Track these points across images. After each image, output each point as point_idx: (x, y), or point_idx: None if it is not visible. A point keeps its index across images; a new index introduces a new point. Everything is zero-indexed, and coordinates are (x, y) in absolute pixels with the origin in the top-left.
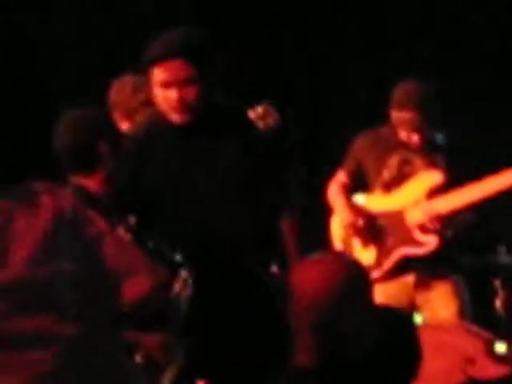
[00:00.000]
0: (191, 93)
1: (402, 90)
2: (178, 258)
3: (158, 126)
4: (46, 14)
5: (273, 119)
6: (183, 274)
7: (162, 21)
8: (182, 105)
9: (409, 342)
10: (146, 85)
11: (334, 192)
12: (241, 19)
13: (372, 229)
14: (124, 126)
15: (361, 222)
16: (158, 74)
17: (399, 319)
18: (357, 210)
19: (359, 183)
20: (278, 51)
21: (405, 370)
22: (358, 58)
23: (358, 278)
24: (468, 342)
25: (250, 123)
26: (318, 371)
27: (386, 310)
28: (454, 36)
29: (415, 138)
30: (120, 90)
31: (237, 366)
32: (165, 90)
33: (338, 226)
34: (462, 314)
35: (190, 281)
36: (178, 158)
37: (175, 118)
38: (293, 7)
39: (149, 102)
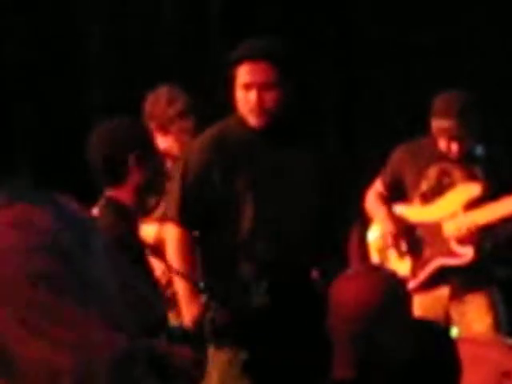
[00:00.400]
0: (271, 96)
1: (442, 99)
2: (201, 285)
3: (231, 134)
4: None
5: None
6: (204, 298)
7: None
8: (261, 108)
9: (447, 356)
10: (181, 96)
11: (373, 202)
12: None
13: (410, 239)
14: (160, 137)
15: (401, 232)
16: (241, 75)
17: (436, 332)
18: (397, 220)
19: (396, 194)
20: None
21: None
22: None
23: (396, 291)
24: (504, 356)
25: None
26: (357, 383)
27: (423, 323)
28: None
29: (455, 147)
30: (155, 102)
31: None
32: (246, 92)
33: (375, 236)
34: (497, 327)
35: (213, 303)
36: (258, 163)
37: (253, 121)
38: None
39: (185, 113)
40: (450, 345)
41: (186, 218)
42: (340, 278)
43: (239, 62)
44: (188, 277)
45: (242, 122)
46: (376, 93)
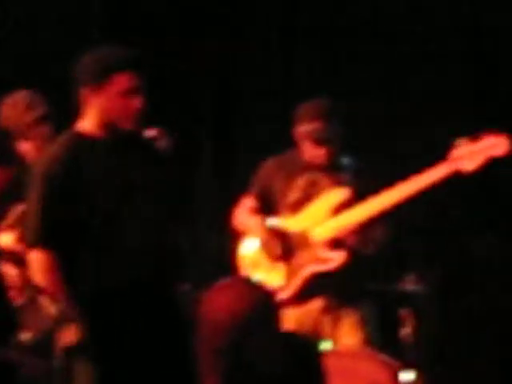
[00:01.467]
0: (143, 103)
1: (307, 105)
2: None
3: (81, 144)
4: None
5: (165, 142)
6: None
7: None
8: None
9: (313, 369)
10: (41, 102)
11: (245, 215)
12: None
13: (283, 249)
14: (20, 143)
15: (274, 242)
16: (123, 82)
17: (304, 346)
18: (270, 230)
19: (266, 207)
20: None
21: None
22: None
23: (264, 303)
24: (375, 370)
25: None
26: None
27: (290, 336)
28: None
29: (321, 151)
30: (13, 107)
31: None
32: (128, 98)
33: (246, 249)
34: (369, 341)
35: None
36: (111, 174)
37: (131, 125)
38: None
39: (43, 119)
40: (316, 358)
41: (49, 240)
42: (210, 290)
43: (120, 70)
44: (57, 300)
45: (92, 131)
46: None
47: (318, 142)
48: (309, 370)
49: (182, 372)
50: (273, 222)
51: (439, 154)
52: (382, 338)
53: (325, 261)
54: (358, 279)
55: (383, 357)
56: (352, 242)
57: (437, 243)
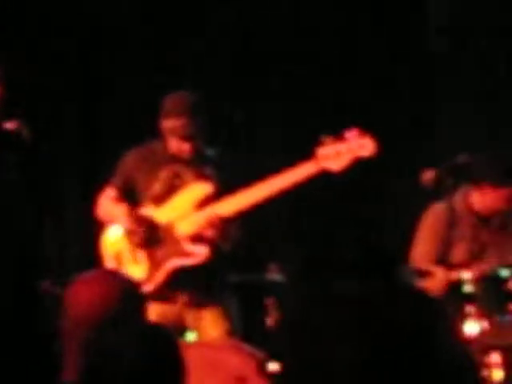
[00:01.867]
0: None
1: (173, 99)
2: None
3: None
4: None
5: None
6: None
7: None
8: None
9: (173, 361)
10: None
11: (109, 204)
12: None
13: (148, 240)
14: None
15: (140, 231)
16: None
17: (164, 337)
18: (136, 219)
19: (128, 198)
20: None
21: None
22: None
23: (130, 295)
24: (240, 361)
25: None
26: None
27: (153, 328)
28: None
29: (186, 146)
30: None
31: None
32: None
33: (110, 238)
34: (232, 332)
35: None
36: None
37: None
38: None
39: None
40: (176, 350)
41: None
42: (74, 281)
43: None
44: None
45: None
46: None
47: (184, 137)
48: (169, 362)
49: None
50: (139, 210)
51: (304, 149)
52: (247, 328)
53: (188, 255)
54: (221, 272)
55: (248, 347)
56: (214, 236)
57: (300, 233)
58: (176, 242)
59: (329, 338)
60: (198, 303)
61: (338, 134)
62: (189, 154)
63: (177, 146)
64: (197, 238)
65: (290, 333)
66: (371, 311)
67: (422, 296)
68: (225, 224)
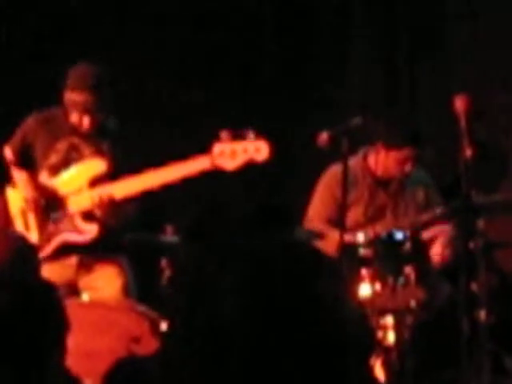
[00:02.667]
0: None
1: (76, 72)
2: None
3: None
4: None
5: None
6: None
7: None
8: None
9: (48, 313)
10: None
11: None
12: None
13: (45, 209)
14: None
15: (39, 197)
16: None
17: (42, 290)
18: (36, 187)
19: (26, 161)
20: None
21: (42, 336)
22: None
23: (22, 253)
24: (133, 321)
25: None
26: None
27: (35, 281)
28: None
29: (86, 121)
30: None
31: None
32: None
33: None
34: (126, 293)
35: None
36: None
37: None
38: None
39: None
40: (55, 304)
41: None
42: None
43: None
44: None
45: None
46: None
47: (85, 112)
48: (44, 314)
49: None
50: (39, 179)
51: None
52: (141, 289)
53: (79, 231)
54: (113, 234)
55: (142, 308)
56: (103, 217)
57: (195, 194)
58: (68, 216)
59: (221, 294)
60: (91, 263)
61: (236, 132)
62: (88, 129)
63: (77, 119)
64: (88, 216)
65: (180, 292)
66: (264, 267)
67: (314, 254)
68: (114, 206)
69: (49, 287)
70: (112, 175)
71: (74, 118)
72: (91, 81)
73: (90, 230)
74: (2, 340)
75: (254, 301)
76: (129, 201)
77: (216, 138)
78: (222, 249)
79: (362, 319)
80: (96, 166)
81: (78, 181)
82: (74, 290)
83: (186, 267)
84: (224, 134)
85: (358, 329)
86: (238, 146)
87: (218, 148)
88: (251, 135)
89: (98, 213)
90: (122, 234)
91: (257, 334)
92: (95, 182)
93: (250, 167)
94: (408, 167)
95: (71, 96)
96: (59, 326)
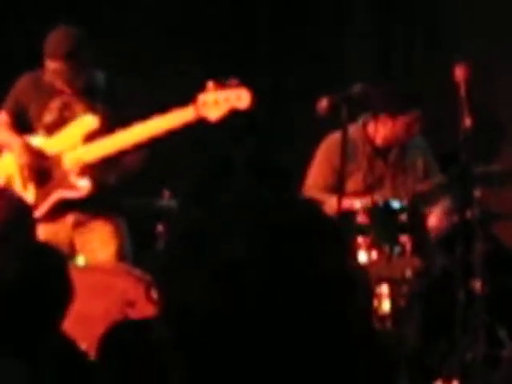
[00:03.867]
0: None
1: (51, 39)
2: None
3: None
4: None
5: None
6: None
7: None
8: None
9: (58, 277)
10: None
11: (2, 131)
12: None
13: (39, 169)
14: None
15: (34, 162)
16: None
17: (50, 254)
18: (30, 149)
19: (20, 124)
20: None
21: (52, 304)
22: None
23: (19, 213)
24: (129, 285)
25: None
26: None
27: (43, 246)
28: None
29: (67, 86)
30: None
31: None
32: None
33: (4, 164)
34: (121, 256)
35: None
36: None
37: None
38: None
39: None
40: (62, 268)
41: None
42: None
43: None
44: None
45: None
46: None
47: (64, 79)
48: (53, 278)
49: None
50: (32, 140)
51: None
52: (137, 254)
53: (74, 187)
54: (110, 196)
55: (138, 272)
56: (99, 171)
57: (193, 160)
58: (63, 173)
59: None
60: (87, 223)
61: (219, 81)
62: (74, 90)
63: (59, 84)
64: (82, 172)
65: (174, 257)
66: (264, 218)
67: (315, 210)
68: (109, 161)
69: (57, 251)
70: (105, 130)
71: (57, 83)
72: (65, 48)
73: (85, 186)
74: (13, 303)
75: (261, 257)
76: (123, 155)
77: (201, 87)
78: (226, 211)
79: (365, 274)
80: (89, 122)
81: (72, 138)
82: (69, 251)
83: (183, 229)
84: (209, 84)
85: (363, 278)
86: (221, 94)
87: (201, 98)
88: (233, 83)
89: (94, 168)
90: (120, 193)
91: (264, 281)
92: (89, 138)
93: (248, 137)
94: (416, 129)
95: (49, 64)
96: (66, 290)
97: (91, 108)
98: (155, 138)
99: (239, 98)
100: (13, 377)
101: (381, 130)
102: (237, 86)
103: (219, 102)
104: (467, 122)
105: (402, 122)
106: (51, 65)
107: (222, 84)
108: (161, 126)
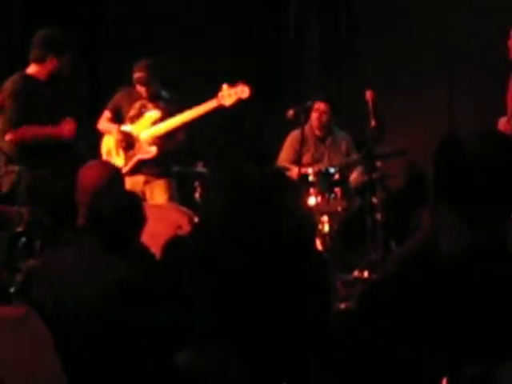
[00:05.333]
0: None
1: (136, 64)
2: None
3: None
4: None
5: None
6: None
7: None
8: None
9: (139, 212)
10: None
11: (104, 123)
12: None
13: (127, 143)
14: None
15: (123, 139)
16: None
17: (133, 197)
18: (121, 132)
19: (117, 118)
20: None
21: (136, 223)
22: None
23: (114, 175)
24: (177, 215)
25: None
26: (88, 228)
27: (128, 193)
28: None
29: (144, 90)
30: None
31: None
32: None
33: (106, 142)
34: (173, 199)
35: None
36: None
37: None
38: None
39: None
40: (141, 206)
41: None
42: (83, 167)
43: None
44: None
45: None
46: None
47: (142, 85)
48: (136, 213)
49: None
50: (123, 127)
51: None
52: (182, 199)
53: (147, 152)
54: (167, 162)
55: (183, 208)
56: (160, 141)
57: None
58: (140, 143)
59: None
60: (152, 180)
61: (231, 83)
62: (148, 95)
63: (140, 89)
64: (151, 142)
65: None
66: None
67: (283, 176)
68: (163, 136)
69: (137, 195)
70: (164, 119)
71: (139, 89)
72: (145, 63)
73: (153, 150)
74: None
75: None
76: (175, 133)
77: (220, 88)
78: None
79: (310, 213)
80: (155, 114)
81: (146, 123)
82: (143, 196)
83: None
84: (223, 85)
85: (310, 217)
86: (232, 90)
87: (220, 93)
88: (238, 83)
89: (161, 139)
90: (173, 158)
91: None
92: (155, 122)
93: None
94: (323, 118)
95: (134, 75)
96: (142, 220)
97: (157, 107)
98: (193, 121)
99: (243, 91)
100: (117, 265)
101: (313, 120)
102: (241, 83)
103: (231, 94)
104: (372, 123)
105: (315, 108)
106: (134, 75)
107: (230, 84)
108: (197, 112)
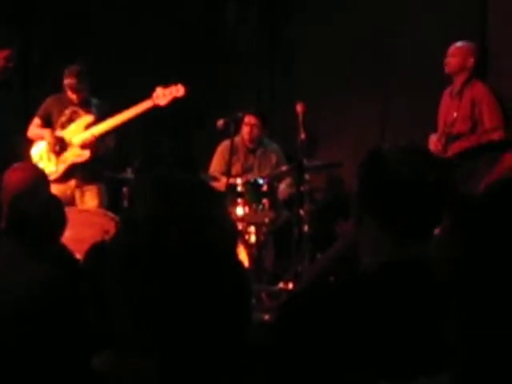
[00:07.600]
0: None
1: (67, 69)
2: None
3: None
4: None
5: None
6: None
7: None
8: None
9: (60, 214)
10: None
11: (36, 128)
12: None
13: (59, 148)
14: None
15: (56, 142)
16: None
17: (57, 202)
18: (54, 136)
19: (46, 125)
20: None
21: (53, 224)
22: None
23: (39, 179)
24: (105, 221)
25: None
26: (9, 230)
27: (53, 198)
28: None
29: (75, 97)
30: None
31: None
32: None
33: (37, 149)
34: (102, 206)
35: None
36: None
37: None
38: None
39: None
40: (63, 210)
41: None
42: (9, 169)
43: None
44: None
45: None
46: None
47: (74, 91)
48: (58, 215)
49: None
50: (56, 132)
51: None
52: (111, 205)
53: (79, 156)
54: (97, 167)
55: (111, 214)
56: (93, 145)
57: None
58: (73, 148)
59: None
60: (83, 185)
61: (165, 84)
62: (78, 102)
63: (70, 94)
64: (83, 146)
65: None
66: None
67: (209, 188)
68: (97, 139)
69: (60, 200)
70: (95, 123)
71: (69, 95)
72: (76, 70)
73: (85, 153)
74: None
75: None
76: (105, 136)
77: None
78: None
79: (234, 225)
80: (86, 119)
81: (78, 128)
82: (70, 202)
83: (136, 189)
84: (158, 86)
85: (232, 228)
86: (167, 90)
87: (155, 94)
88: (173, 83)
89: (90, 143)
90: (104, 163)
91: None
92: (87, 127)
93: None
94: (254, 131)
95: (65, 81)
96: (64, 222)
97: (88, 112)
98: (128, 122)
99: (178, 90)
100: (38, 267)
101: (244, 134)
102: (175, 84)
103: (166, 94)
104: (302, 135)
105: (246, 126)
106: (67, 81)
107: (165, 85)
108: (132, 113)
